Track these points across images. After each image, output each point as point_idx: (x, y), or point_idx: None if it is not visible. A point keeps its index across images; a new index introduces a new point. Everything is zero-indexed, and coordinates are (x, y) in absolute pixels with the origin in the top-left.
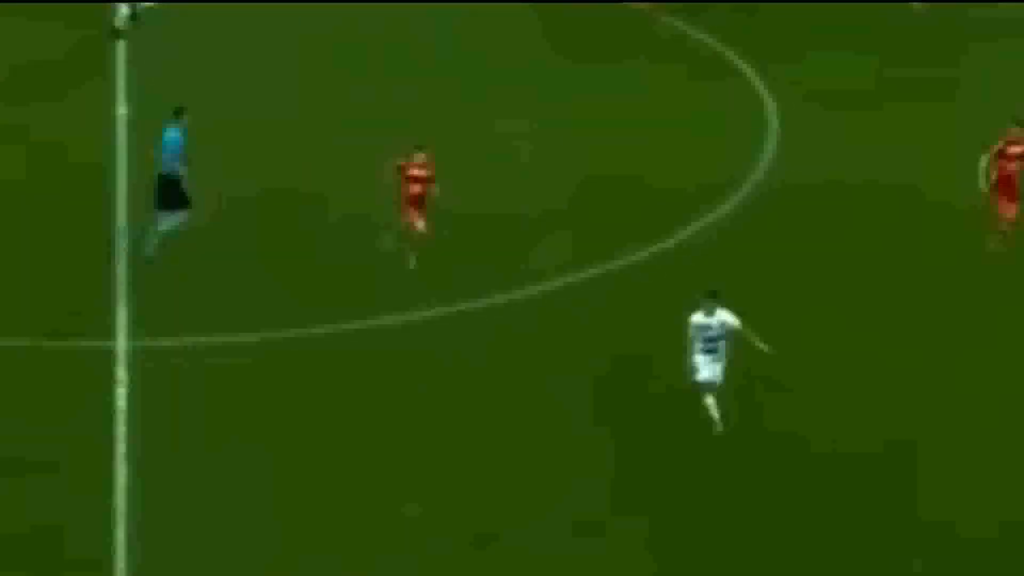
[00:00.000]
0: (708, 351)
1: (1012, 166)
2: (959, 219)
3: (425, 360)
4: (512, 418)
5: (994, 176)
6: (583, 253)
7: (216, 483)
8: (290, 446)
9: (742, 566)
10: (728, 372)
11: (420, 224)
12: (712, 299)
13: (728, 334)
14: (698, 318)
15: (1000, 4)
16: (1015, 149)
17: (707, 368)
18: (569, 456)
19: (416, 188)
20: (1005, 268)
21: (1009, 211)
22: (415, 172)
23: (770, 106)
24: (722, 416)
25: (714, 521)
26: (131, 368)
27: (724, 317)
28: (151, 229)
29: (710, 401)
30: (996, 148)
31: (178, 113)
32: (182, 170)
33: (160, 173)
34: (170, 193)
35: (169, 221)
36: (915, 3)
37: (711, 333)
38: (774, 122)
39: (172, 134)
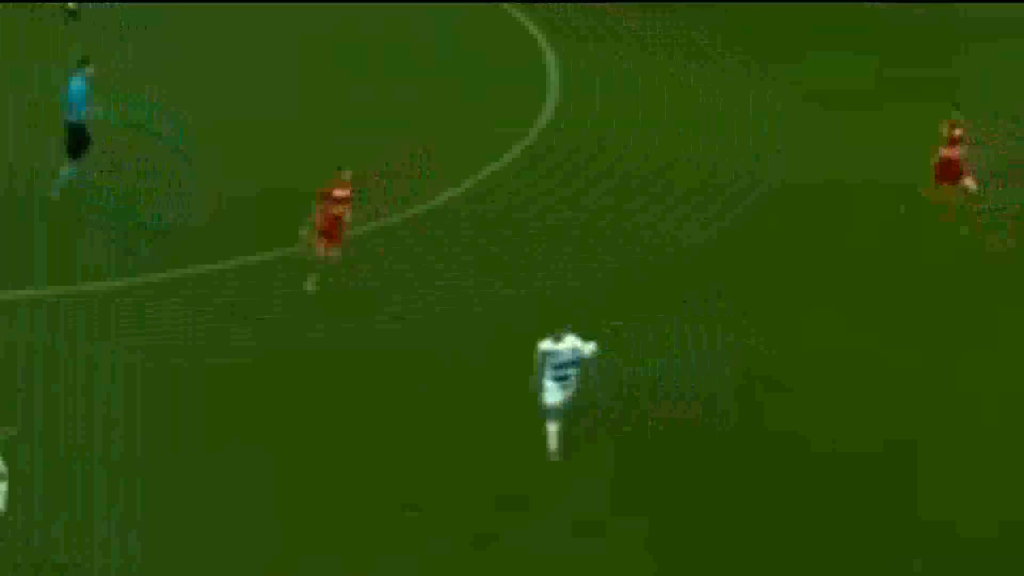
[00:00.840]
0: (558, 378)
1: (955, 151)
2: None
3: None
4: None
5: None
6: None
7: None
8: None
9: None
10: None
11: (335, 251)
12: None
13: (581, 360)
14: (547, 345)
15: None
16: (957, 132)
17: (554, 394)
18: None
19: (338, 210)
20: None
21: (952, 192)
22: (339, 193)
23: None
24: (559, 449)
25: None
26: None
27: (575, 343)
28: (59, 173)
29: (552, 428)
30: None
31: (82, 63)
32: (87, 116)
33: (68, 122)
34: (76, 140)
35: (73, 166)
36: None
37: (561, 359)
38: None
39: (77, 84)
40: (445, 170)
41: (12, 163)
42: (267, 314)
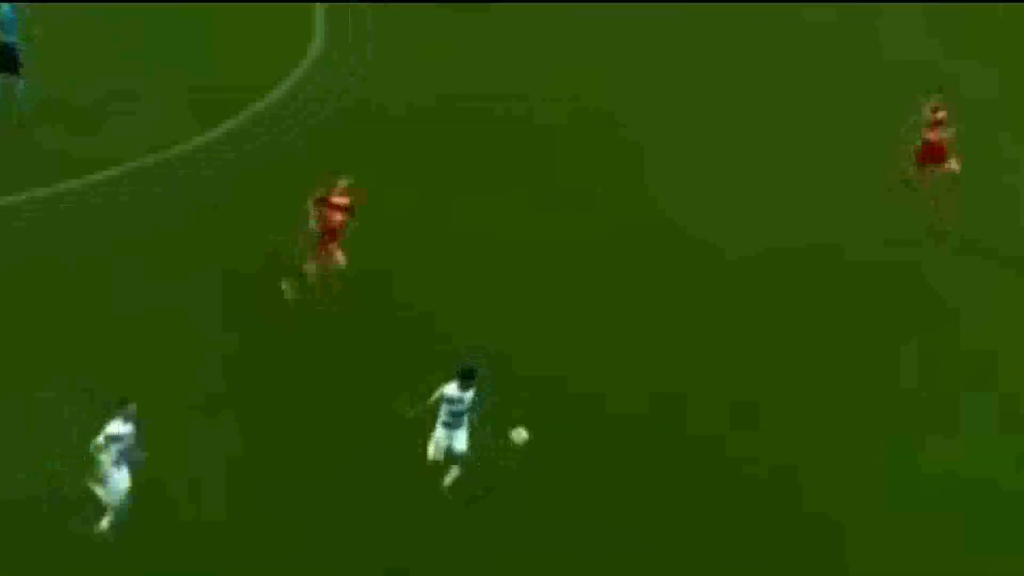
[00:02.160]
0: (449, 424)
1: (937, 134)
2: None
3: None
4: None
5: (919, 144)
6: None
7: None
8: None
9: None
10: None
11: (340, 256)
12: (470, 378)
13: (475, 407)
14: (451, 390)
15: None
16: (940, 115)
17: (447, 439)
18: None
19: (338, 217)
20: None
21: (938, 170)
22: (338, 201)
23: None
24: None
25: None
26: None
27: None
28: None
29: (454, 473)
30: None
31: None
32: (15, 39)
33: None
34: (7, 59)
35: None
36: None
37: (459, 408)
38: None
39: (5, 9)
40: (201, 112)
41: None
42: None
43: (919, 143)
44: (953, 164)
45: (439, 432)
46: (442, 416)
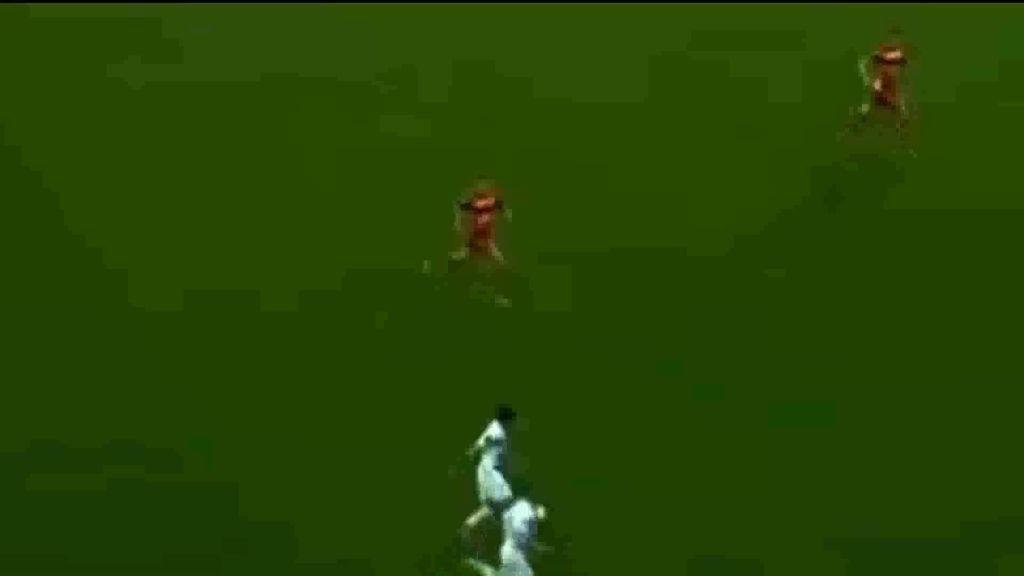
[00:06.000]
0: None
1: (890, 71)
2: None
3: None
4: None
5: (878, 83)
6: None
7: None
8: None
9: None
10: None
11: (496, 253)
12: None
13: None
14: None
15: None
16: (892, 55)
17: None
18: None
19: (485, 218)
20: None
21: (890, 109)
22: (482, 203)
23: None
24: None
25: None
26: None
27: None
28: None
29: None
30: (873, 54)
31: None
32: None
33: None
34: None
35: None
36: None
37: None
38: None
39: None
40: None
41: None
42: None
43: (876, 84)
44: (901, 102)
45: (499, 478)
46: (494, 461)
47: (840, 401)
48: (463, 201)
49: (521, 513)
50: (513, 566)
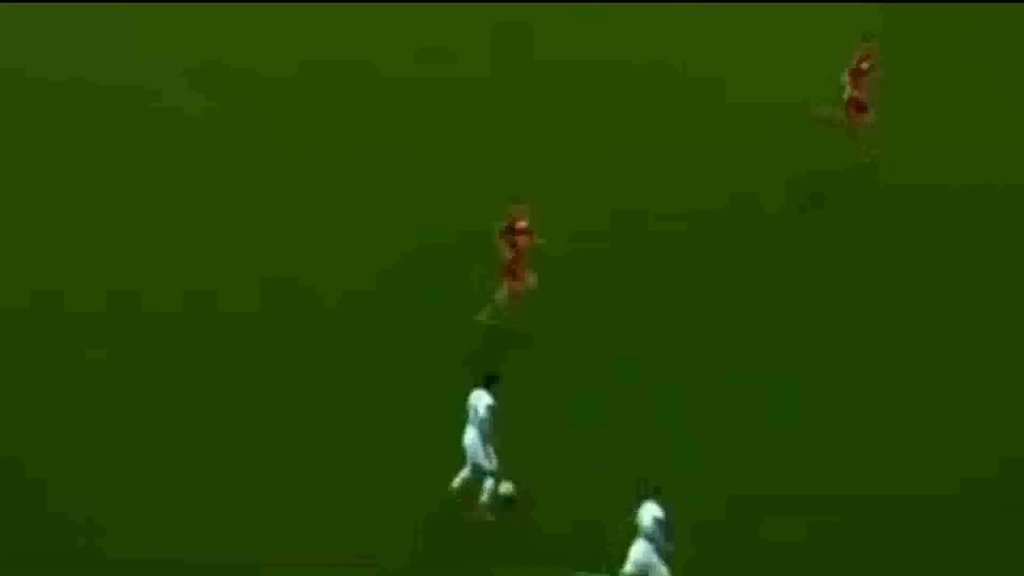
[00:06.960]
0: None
1: (864, 80)
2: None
3: None
4: None
5: (855, 93)
6: None
7: None
8: None
9: None
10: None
11: (530, 277)
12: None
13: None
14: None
15: None
16: (865, 64)
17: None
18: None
19: (523, 240)
20: None
21: (863, 120)
22: (521, 225)
23: None
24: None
25: None
26: None
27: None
28: None
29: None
30: (852, 67)
31: None
32: None
33: None
34: None
35: None
36: None
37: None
38: None
39: None
40: None
41: None
42: None
43: (850, 92)
44: (870, 114)
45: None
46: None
47: (828, 370)
48: (504, 225)
49: (651, 512)
50: (647, 564)
